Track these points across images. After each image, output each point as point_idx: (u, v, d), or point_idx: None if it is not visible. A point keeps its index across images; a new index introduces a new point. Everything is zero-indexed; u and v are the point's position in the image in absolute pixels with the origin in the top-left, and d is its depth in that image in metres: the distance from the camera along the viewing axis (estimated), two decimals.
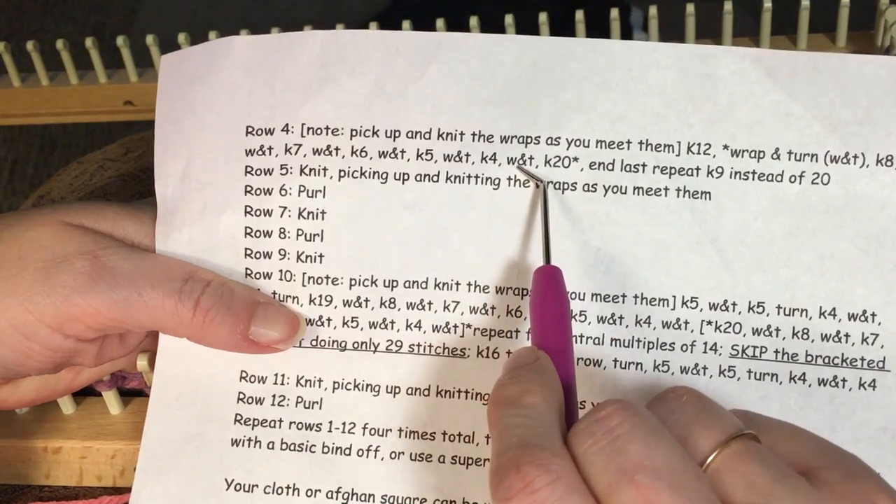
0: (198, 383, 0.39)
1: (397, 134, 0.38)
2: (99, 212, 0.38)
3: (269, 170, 0.39)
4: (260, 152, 0.39)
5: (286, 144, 0.39)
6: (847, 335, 0.37)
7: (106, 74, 0.71)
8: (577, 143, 0.38)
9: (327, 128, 0.39)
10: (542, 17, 0.63)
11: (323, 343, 0.39)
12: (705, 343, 0.37)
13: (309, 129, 0.39)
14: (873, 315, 0.37)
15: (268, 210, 0.39)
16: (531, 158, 0.38)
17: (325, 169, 0.39)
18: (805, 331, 0.37)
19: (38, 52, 0.70)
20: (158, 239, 0.38)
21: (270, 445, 0.38)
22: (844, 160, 0.37)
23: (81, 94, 0.71)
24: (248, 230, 0.39)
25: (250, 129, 0.39)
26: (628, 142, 0.38)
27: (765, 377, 0.37)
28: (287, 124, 0.39)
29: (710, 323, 0.37)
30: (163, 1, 0.97)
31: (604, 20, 0.63)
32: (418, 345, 0.38)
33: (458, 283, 0.38)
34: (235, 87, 0.39)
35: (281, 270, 0.39)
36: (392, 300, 0.38)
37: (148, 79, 0.70)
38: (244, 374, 0.38)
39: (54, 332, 0.35)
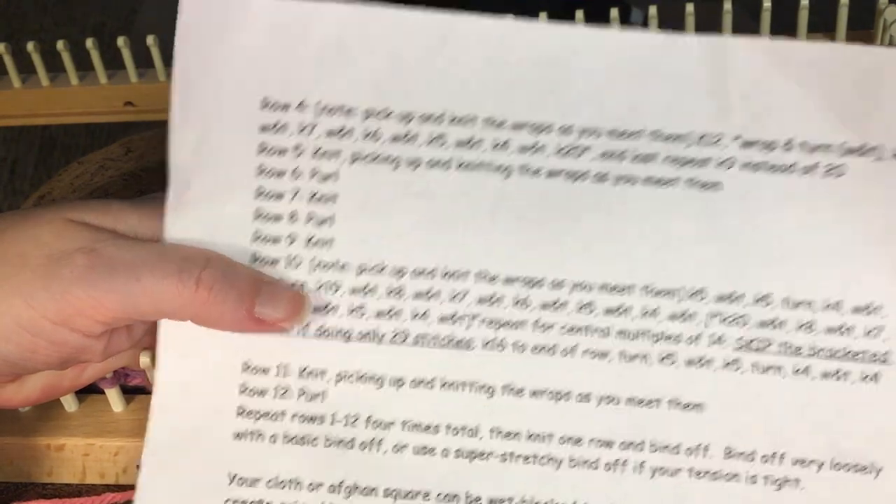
0: (200, 376, 0.39)
1: (410, 117, 0.38)
2: (103, 208, 0.38)
3: (282, 150, 0.39)
4: (275, 129, 0.39)
5: (301, 123, 0.38)
6: (852, 328, 0.37)
7: (106, 75, 0.71)
8: (589, 132, 0.38)
9: (342, 107, 0.38)
10: (543, 18, 0.63)
11: (327, 333, 0.38)
12: (711, 335, 0.37)
13: (323, 108, 0.38)
14: (879, 308, 0.37)
15: (279, 193, 0.39)
16: (543, 147, 0.38)
17: (338, 152, 0.38)
18: (810, 324, 0.37)
19: (39, 53, 0.70)
20: (168, 213, 0.38)
21: (273, 439, 0.38)
22: (860, 152, 0.37)
23: (82, 95, 0.71)
24: (258, 212, 0.39)
25: (266, 102, 0.39)
26: (639, 132, 0.38)
27: (769, 371, 0.37)
28: (302, 101, 0.38)
29: (715, 315, 0.37)
30: (163, 1, 0.97)
31: (604, 20, 0.63)
32: (424, 336, 0.38)
33: (466, 273, 0.38)
34: (253, 52, 0.39)
35: (289, 255, 0.39)
36: (399, 289, 0.38)
37: (148, 79, 0.70)
38: (246, 366, 0.38)
39: (58, 326, 0.35)
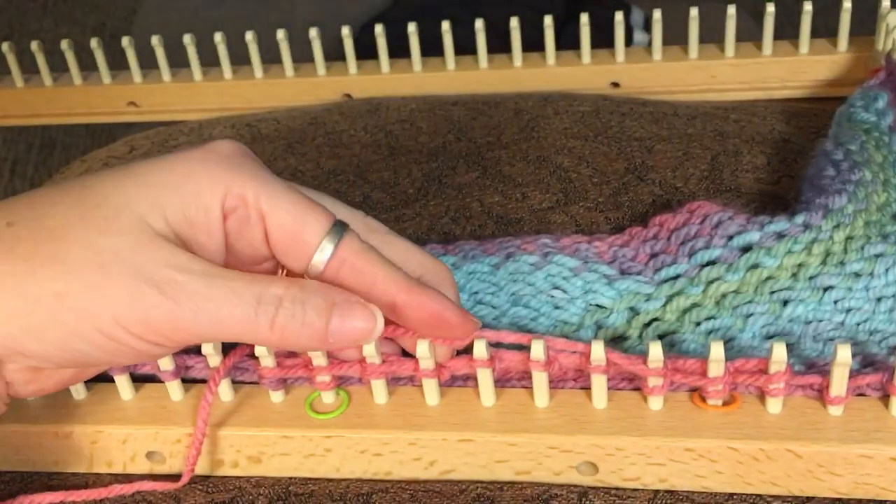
0: None
1: None
2: (176, 217, 0.37)
3: None
4: None
5: None
6: None
7: (110, 75, 0.71)
8: None
9: None
10: (548, 21, 0.64)
11: None
12: None
13: None
14: None
15: None
16: None
17: None
18: None
19: (42, 53, 0.70)
20: None
21: None
22: None
23: (85, 95, 0.71)
24: None
25: None
26: None
27: None
28: None
29: None
30: (162, 2, 0.97)
31: (607, 22, 0.64)
32: None
33: None
34: None
35: None
36: None
37: (152, 79, 0.70)
38: None
39: (141, 340, 0.36)
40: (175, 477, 0.42)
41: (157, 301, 0.35)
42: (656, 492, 0.40)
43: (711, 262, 0.44)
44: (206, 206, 0.37)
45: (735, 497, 0.39)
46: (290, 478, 0.42)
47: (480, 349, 0.39)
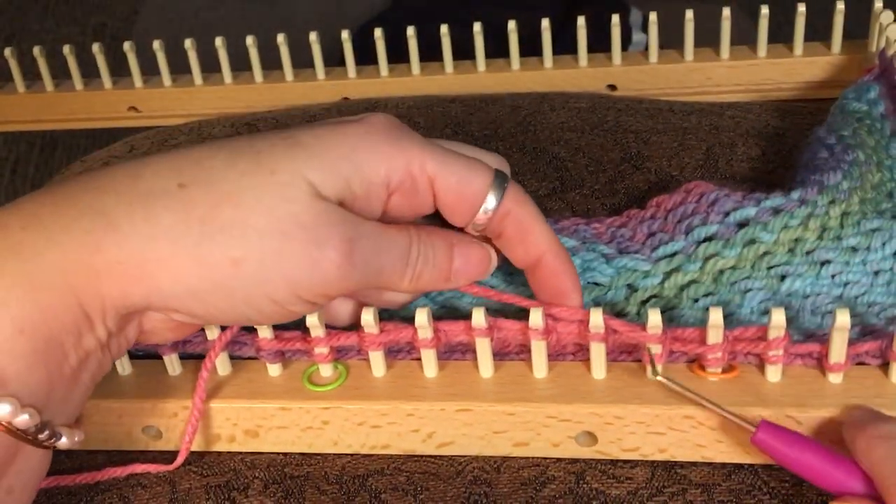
0: None
1: None
2: (342, 188, 0.37)
3: None
4: None
5: None
6: None
7: (111, 80, 0.71)
8: None
9: None
10: (545, 23, 0.64)
11: None
12: None
13: None
14: None
15: None
16: None
17: None
18: None
19: (44, 58, 0.71)
20: None
21: None
22: None
23: (86, 100, 0.72)
24: None
25: None
26: None
27: None
28: None
29: None
30: (164, 2, 0.98)
31: (605, 24, 0.64)
32: None
33: None
34: None
35: None
36: None
37: (153, 84, 0.71)
38: None
39: (306, 303, 0.37)
40: (171, 454, 0.42)
41: (336, 264, 0.36)
42: (654, 470, 0.40)
43: (708, 239, 0.44)
44: (368, 179, 0.38)
45: (734, 478, 0.39)
46: (286, 457, 0.42)
47: (479, 318, 0.39)
